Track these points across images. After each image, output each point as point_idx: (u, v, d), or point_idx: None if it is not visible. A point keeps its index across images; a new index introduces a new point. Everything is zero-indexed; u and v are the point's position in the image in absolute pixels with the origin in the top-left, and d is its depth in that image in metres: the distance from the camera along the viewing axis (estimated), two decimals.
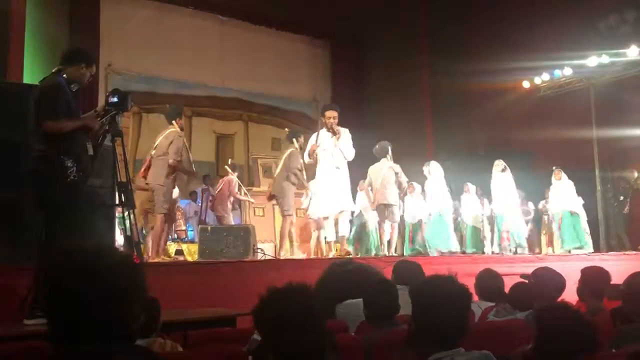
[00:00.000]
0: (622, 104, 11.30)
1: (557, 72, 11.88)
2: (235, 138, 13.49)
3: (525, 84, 12.45)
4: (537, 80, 12.25)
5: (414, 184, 10.04)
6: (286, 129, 9.10)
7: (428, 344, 2.00)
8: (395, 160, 8.68)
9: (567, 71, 11.71)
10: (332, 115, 7.17)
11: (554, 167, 10.35)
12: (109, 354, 1.16)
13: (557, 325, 2.14)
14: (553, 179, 10.31)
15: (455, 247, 9.58)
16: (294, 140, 7.82)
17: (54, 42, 9.69)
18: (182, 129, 6.88)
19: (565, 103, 12.08)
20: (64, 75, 3.90)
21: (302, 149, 7.65)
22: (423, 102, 13.87)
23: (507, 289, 3.75)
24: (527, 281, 3.79)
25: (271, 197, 7.92)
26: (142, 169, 6.88)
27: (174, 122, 6.89)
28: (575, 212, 10.09)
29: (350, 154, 7.15)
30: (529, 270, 4.04)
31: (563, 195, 10.20)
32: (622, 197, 10.87)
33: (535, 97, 12.49)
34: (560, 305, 2.41)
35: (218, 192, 9.78)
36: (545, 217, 11.49)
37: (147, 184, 6.87)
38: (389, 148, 8.53)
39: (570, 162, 11.71)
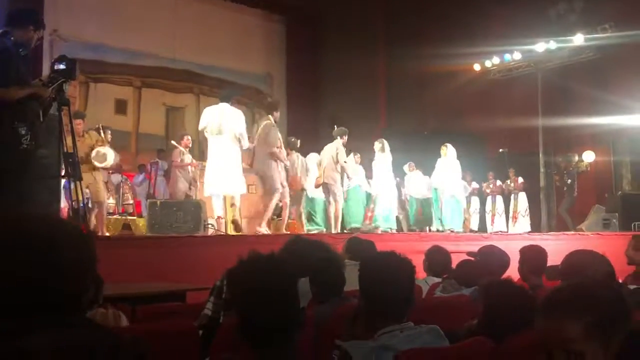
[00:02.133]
0: (567, 90, 11.72)
1: (507, 56, 12.21)
2: (186, 111, 13.21)
3: (477, 67, 12.73)
4: (488, 64, 12.55)
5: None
6: (336, 127, 8.74)
7: (377, 318, 2.04)
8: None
9: (517, 55, 12.05)
10: None
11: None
12: (58, 327, 1.13)
13: (501, 299, 2.22)
14: (441, 153, 9.67)
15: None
16: (339, 137, 8.32)
17: None
18: (276, 122, 7.40)
19: (513, 88, 12.43)
20: (12, 38, 3.70)
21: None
22: (378, 82, 13.97)
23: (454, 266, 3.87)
24: (473, 259, 3.92)
25: (323, 185, 8.33)
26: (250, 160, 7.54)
27: (270, 114, 7.41)
28: (454, 194, 9.63)
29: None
30: (475, 248, 4.17)
31: (446, 173, 9.60)
32: (569, 181, 11.11)
33: (485, 81, 12.79)
34: (504, 281, 2.50)
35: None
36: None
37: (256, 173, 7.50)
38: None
39: (516, 146, 12.10)
